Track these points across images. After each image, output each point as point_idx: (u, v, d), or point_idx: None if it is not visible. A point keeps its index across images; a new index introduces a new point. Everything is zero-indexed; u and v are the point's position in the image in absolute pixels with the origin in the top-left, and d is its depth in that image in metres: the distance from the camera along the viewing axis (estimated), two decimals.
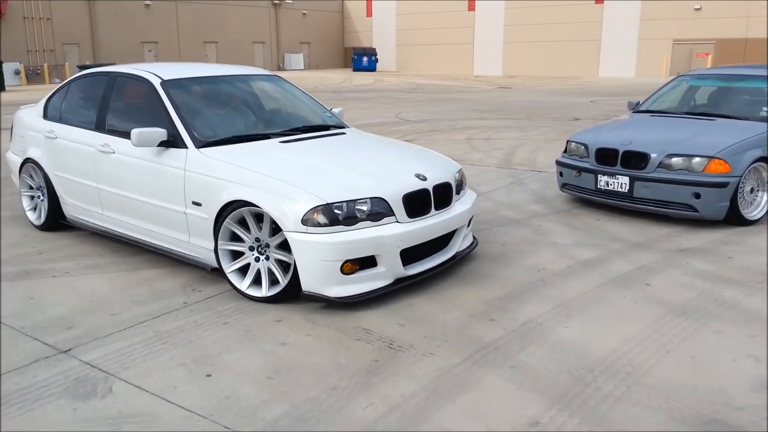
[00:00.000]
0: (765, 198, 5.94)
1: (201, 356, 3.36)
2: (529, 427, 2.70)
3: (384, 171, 4.32)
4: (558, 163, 6.66)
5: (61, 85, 5.72)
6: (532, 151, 10.13)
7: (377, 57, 46.51)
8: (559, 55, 39.45)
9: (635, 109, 7.41)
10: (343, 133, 5.14)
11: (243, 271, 4.18)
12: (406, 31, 47.06)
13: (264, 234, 4.03)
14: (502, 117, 15.36)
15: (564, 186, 6.64)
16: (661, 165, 5.71)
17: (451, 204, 4.46)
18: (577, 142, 6.46)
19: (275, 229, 3.98)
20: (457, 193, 4.58)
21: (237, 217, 4.08)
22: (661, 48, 35.85)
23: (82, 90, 5.51)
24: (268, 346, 3.49)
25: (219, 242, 4.16)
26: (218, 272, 4.32)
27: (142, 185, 4.63)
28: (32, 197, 5.86)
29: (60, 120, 5.50)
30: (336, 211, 3.83)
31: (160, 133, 4.41)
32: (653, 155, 5.75)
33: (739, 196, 5.65)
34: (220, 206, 4.09)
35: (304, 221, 3.79)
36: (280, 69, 48.04)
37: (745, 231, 5.62)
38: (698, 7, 34.38)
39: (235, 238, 4.17)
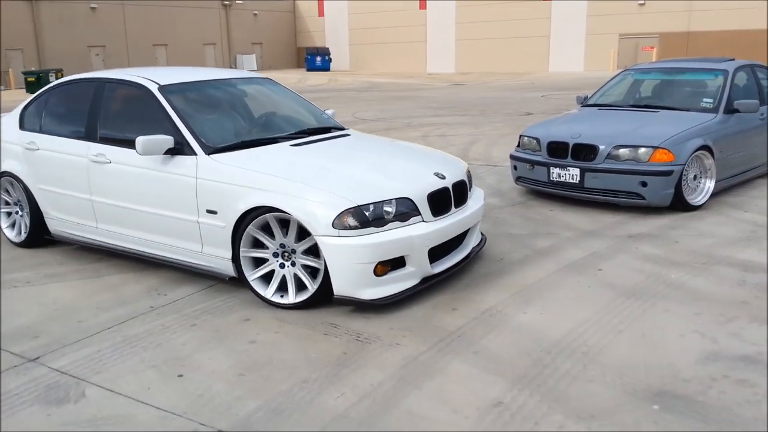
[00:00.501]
0: (707, 184, 6.25)
1: (171, 358, 3.41)
2: (492, 407, 2.85)
3: (404, 171, 4.31)
4: (512, 157, 6.87)
5: (38, 93, 5.41)
6: (487, 146, 10.36)
7: (331, 56, 46.46)
8: (510, 52, 40.10)
9: (584, 103, 7.68)
10: (348, 135, 5.06)
11: (266, 278, 4.09)
12: (358, 30, 47.14)
13: (290, 240, 3.94)
14: (457, 113, 15.61)
15: (518, 179, 6.85)
16: (609, 156, 5.96)
17: (467, 201, 4.50)
18: (529, 137, 6.68)
19: (300, 234, 3.91)
20: (469, 190, 4.61)
21: (260, 223, 3.97)
22: (608, 42, 36.77)
23: (65, 98, 5.25)
24: (237, 345, 3.56)
25: (241, 250, 4.04)
26: (236, 281, 4.25)
27: (147, 195, 4.44)
28: (9, 213, 5.53)
29: (41, 130, 5.21)
30: (365, 213, 3.79)
31: (167, 141, 4.24)
32: (601, 147, 6.00)
33: (683, 183, 5.93)
34: (241, 213, 3.98)
35: (335, 225, 3.72)
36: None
37: (690, 216, 5.91)
38: (642, 2, 35.38)
39: (257, 244, 4.07)
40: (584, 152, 6.10)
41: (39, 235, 5.32)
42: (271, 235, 4.00)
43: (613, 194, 6.02)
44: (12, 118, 5.53)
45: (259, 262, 4.11)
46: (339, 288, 3.81)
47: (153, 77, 4.76)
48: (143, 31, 41.40)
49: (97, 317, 3.97)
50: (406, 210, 3.93)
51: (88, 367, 3.33)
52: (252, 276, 4.09)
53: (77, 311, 4.08)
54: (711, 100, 6.66)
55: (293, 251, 3.97)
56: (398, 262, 3.89)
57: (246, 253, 4.06)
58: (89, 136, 4.83)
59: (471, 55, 41.89)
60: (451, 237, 4.22)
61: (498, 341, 3.49)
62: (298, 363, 3.32)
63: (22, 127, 5.36)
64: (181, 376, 3.22)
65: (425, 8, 43.48)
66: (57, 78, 27.44)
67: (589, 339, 3.48)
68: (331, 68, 46.14)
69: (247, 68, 47.41)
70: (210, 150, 4.26)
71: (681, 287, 4.21)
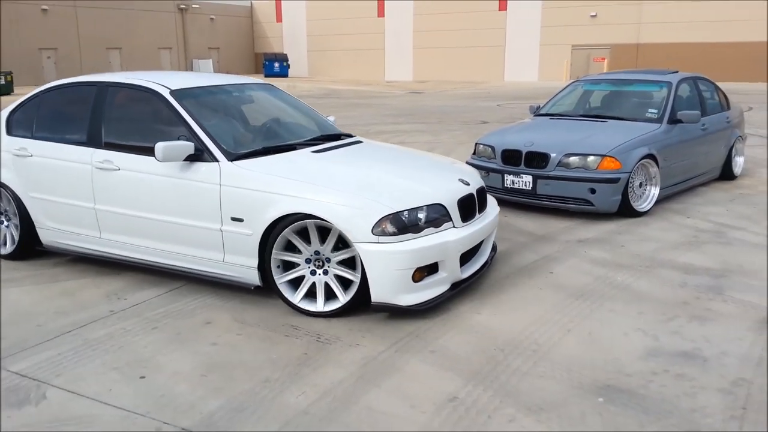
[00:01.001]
0: (652, 191, 6.55)
1: (133, 360, 3.45)
2: (448, 402, 2.98)
3: (431, 178, 4.29)
4: (468, 164, 7.06)
5: (27, 97, 5.12)
6: (445, 154, 10.56)
7: (289, 63, 46.35)
8: (467, 61, 40.71)
9: (536, 112, 7.94)
10: (360, 141, 5.00)
11: (294, 284, 4.04)
12: (317, 37, 47.18)
13: (326, 248, 3.90)
14: (415, 121, 15.83)
15: None
16: (560, 164, 6.20)
17: (487, 208, 4.56)
18: (484, 144, 6.88)
19: (336, 242, 3.89)
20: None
21: (297, 228, 3.90)
22: (562, 53, 37.68)
23: (61, 102, 4.98)
24: (199, 346, 3.61)
25: (273, 252, 3.96)
26: (261, 290, 4.21)
27: (163, 203, 4.28)
28: None
29: (33, 136, 4.93)
30: (403, 219, 3.79)
31: (188, 147, 4.11)
32: (553, 155, 6.23)
33: (629, 190, 6.21)
34: (272, 220, 3.90)
35: (375, 231, 3.71)
36: None
37: (636, 222, 6.19)
38: (594, 14, 36.39)
39: (289, 249, 4.00)
40: (537, 160, 6.33)
41: (29, 247, 5.07)
42: (308, 241, 3.95)
43: (564, 200, 6.25)
44: None
45: (288, 267, 4.06)
46: (377, 295, 3.79)
47: (163, 81, 4.61)
48: (96, 33, 40.61)
49: (57, 321, 3.97)
50: (438, 216, 3.95)
51: (49, 369, 3.34)
52: (281, 279, 4.02)
53: (36, 316, 4.06)
54: (656, 111, 6.98)
55: (327, 260, 3.93)
56: (432, 268, 3.91)
57: (278, 255, 3.98)
58: (92, 142, 4.63)
59: (429, 64, 42.38)
60: (478, 242, 4.26)
61: (454, 340, 3.63)
62: (259, 363, 3.39)
63: (9, 132, 5.09)
64: (143, 377, 3.26)
65: (383, 16, 43.82)
66: (6, 81, 26.74)
67: (540, 337, 3.65)
68: (289, 74, 46.05)
69: (203, 72, 46.91)
70: (232, 156, 4.16)
71: (626, 288, 4.43)
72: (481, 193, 4.47)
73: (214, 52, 49.53)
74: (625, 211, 6.24)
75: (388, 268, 3.72)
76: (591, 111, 7.58)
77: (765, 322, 3.85)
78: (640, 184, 6.41)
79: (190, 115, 4.33)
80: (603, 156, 6.09)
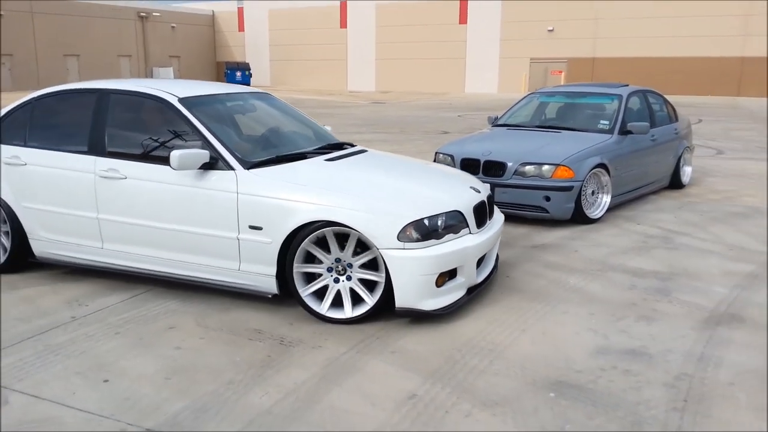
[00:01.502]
0: (604, 199, 6.80)
1: (96, 364, 3.47)
2: (407, 399, 3.09)
3: (446, 186, 4.37)
4: None
5: (19, 104, 4.96)
6: None
7: (251, 72, 46.21)
8: (429, 72, 41.22)
9: (494, 123, 8.17)
10: (365, 151, 4.99)
11: (318, 294, 4.06)
12: (279, 47, 47.17)
13: (346, 254, 3.93)
14: (378, 131, 16.00)
15: None
16: (516, 173, 6.41)
17: (494, 215, 4.65)
18: (444, 153, 7.05)
19: (356, 248, 3.93)
20: None
21: (316, 238, 3.92)
22: (520, 66, 38.47)
23: (57, 109, 4.83)
24: (162, 350, 3.65)
25: (294, 265, 3.96)
26: (278, 299, 4.22)
27: (174, 212, 4.22)
28: None
29: (26, 144, 4.78)
30: (426, 225, 3.86)
31: (203, 155, 4.07)
32: (509, 164, 6.43)
33: (582, 198, 6.45)
34: (293, 228, 3.91)
35: (400, 237, 3.77)
36: None
37: (588, 228, 6.42)
38: (551, 28, 37.27)
39: (309, 260, 4.03)
40: (494, 169, 6.52)
41: (20, 259, 4.90)
42: (326, 250, 3.98)
43: (520, 208, 6.45)
44: None
45: (309, 277, 4.07)
46: (402, 300, 3.84)
47: (169, 89, 4.56)
48: (54, 40, 39.90)
49: (17, 328, 3.95)
50: (456, 222, 4.03)
51: (10, 375, 3.34)
52: (305, 292, 4.03)
53: None
54: (607, 122, 7.27)
55: (349, 265, 3.96)
56: (452, 273, 3.99)
57: (299, 268, 3.99)
58: (95, 150, 4.52)
59: (391, 74, 42.76)
60: (490, 248, 4.35)
61: (413, 341, 3.75)
62: (223, 366, 3.45)
63: (0, 140, 4.92)
64: (106, 381, 3.28)
65: (345, 27, 44.08)
66: None
67: (496, 338, 3.80)
68: (251, 84, 45.87)
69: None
70: (248, 165, 4.15)
71: (578, 291, 4.62)
72: (490, 200, 4.58)
73: (175, 61, 49.08)
74: (578, 218, 6.47)
75: (414, 274, 3.79)
76: (546, 122, 7.84)
77: (707, 321, 4.08)
78: (593, 192, 6.66)
79: (202, 124, 4.29)
80: (557, 165, 6.32)
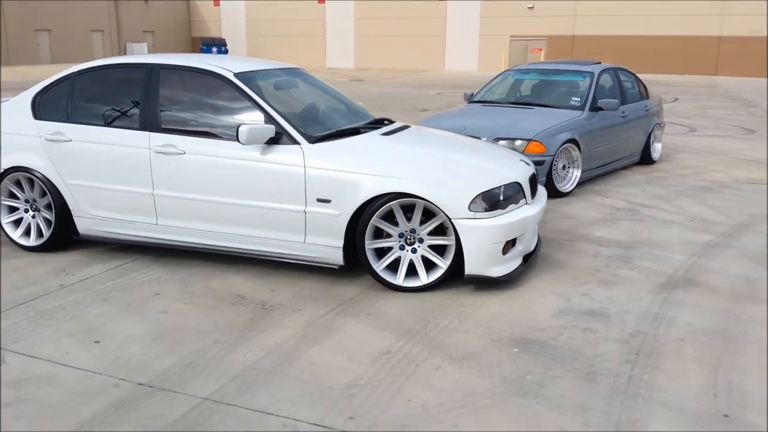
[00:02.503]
0: (575, 173, 7.06)
1: (86, 328, 3.65)
2: (382, 355, 3.33)
3: (501, 158, 4.52)
4: None
5: (56, 79, 4.85)
6: None
7: (227, 48, 45.69)
8: (408, 49, 41.16)
9: (470, 99, 8.36)
10: (408, 126, 5.05)
11: (389, 265, 4.18)
12: (256, 22, 46.67)
13: (415, 224, 4.08)
14: None
15: None
16: None
17: (538, 188, 4.78)
18: None
19: (423, 218, 4.09)
20: None
21: (383, 213, 4.05)
22: (500, 43, 38.58)
23: (101, 84, 4.74)
24: (149, 315, 3.84)
25: (366, 242, 4.09)
26: (345, 270, 4.32)
27: (238, 186, 4.25)
28: (14, 209, 4.97)
29: (69, 119, 4.70)
30: (493, 195, 4.05)
31: (269, 130, 4.11)
32: (483, 139, 6.64)
33: (553, 172, 6.69)
34: (364, 200, 4.01)
35: (471, 207, 3.94)
36: None
37: (559, 201, 6.68)
38: (531, 6, 37.37)
39: (377, 234, 4.15)
40: None
41: (63, 237, 4.86)
42: (392, 223, 4.12)
43: None
44: (17, 106, 4.93)
45: (378, 251, 4.19)
46: (471, 267, 4.03)
47: (223, 64, 4.56)
48: (23, 15, 39.07)
49: (8, 295, 4.11)
50: (514, 193, 4.20)
51: (6, 337, 3.51)
52: (380, 267, 4.15)
53: None
54: (578, 99, 7.50)
55: (420, 239, 4.11)
56: (512, 242, 4.16)
57: (371, 245, 4.12)
58: (148, 125, 4.47)
59: (370, 51, 42.61)
60: (541, 217, 4.56)
61: (389, 305, 3.98)
62: (207, 328, 3.65)
63: (37, 116, 4.82)
64: (97, 342, 3.47)
65: (324, 2, 43.73)
66: None
67: (466, 301, 4.04)
68: None
69: None
70: (312, 139, 4.21)
71: (546, 259, 4.87)
72: (535, 173, 4.76)
73: (149, 36, 48.36)
74: (550, 191, 6.71)
75: (483, 242, 3.97)
76: (520, 99, 8.05)
77: (664, 285, 4.35)
78: (564, 167, 6.91)
79: (262, 99, 4.32)
80: (529, 140, 6.54)
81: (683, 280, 4.46)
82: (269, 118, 4.24)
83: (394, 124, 5.04)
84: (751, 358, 3.34)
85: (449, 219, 3.97)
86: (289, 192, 4.16)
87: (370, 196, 4.01)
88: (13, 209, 4.98)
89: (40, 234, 4.90)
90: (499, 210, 4.07)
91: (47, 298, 4.07)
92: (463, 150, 4.61)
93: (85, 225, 4.78)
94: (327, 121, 4.77)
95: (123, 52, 46.09)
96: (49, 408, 2.83)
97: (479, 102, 8.15)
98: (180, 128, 4.43)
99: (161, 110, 4.49)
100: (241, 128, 4.03)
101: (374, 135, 4.57)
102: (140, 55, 4.98)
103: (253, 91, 4.36)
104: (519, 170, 4.42)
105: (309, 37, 44.66)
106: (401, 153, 4.27)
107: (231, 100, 4.39)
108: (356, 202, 4.04)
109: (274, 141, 4.19)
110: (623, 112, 7.89)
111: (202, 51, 44.49)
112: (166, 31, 49.25)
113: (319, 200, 4.11)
